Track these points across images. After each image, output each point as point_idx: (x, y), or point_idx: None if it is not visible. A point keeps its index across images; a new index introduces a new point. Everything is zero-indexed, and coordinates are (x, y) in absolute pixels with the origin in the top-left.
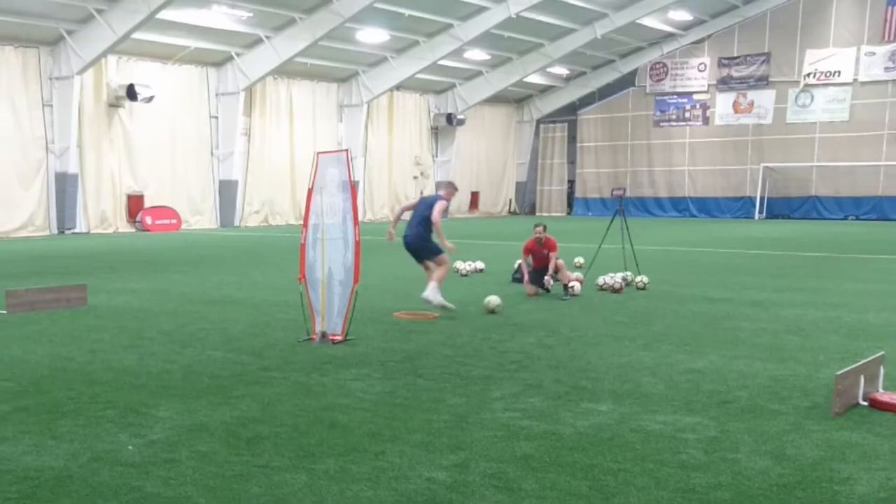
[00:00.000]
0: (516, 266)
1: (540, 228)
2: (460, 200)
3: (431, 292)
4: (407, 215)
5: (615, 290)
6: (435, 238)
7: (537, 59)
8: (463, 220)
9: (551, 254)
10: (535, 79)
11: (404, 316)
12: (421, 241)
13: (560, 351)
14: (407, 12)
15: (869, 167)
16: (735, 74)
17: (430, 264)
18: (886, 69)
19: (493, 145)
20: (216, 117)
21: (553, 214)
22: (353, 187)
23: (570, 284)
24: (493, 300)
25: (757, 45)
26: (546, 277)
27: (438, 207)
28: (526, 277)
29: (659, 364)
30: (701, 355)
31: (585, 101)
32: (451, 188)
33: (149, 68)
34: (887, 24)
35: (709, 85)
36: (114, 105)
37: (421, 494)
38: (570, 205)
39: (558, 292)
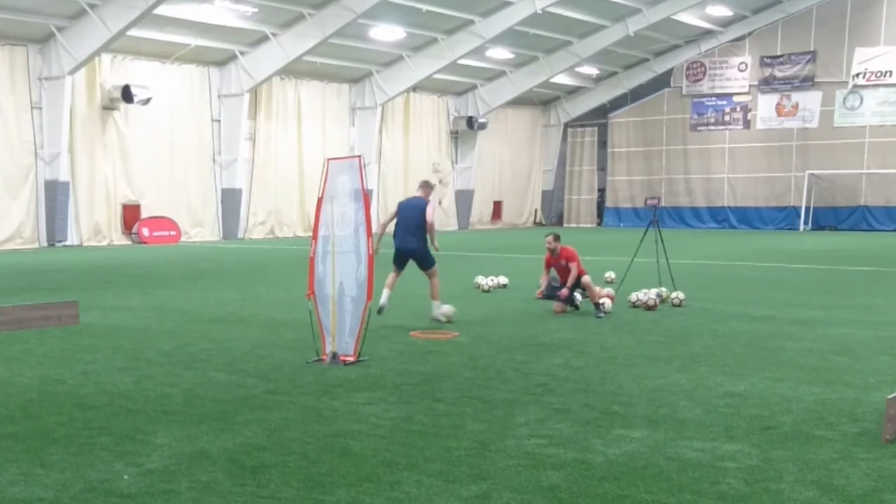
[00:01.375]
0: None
1: (550, 238)
2: (482, 211)
3: (438, 310)
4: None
5: (649, 308)
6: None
7: (565, 58)
8: (485, 231)
9: (571, 264)
10: (563, 79)
11: (421, 335)
12: (419, 249)
13: (589, 373)
14: (424, 7)
15: None
16: (778, 74)
17: (394, 279)
18: None
19: (517, 151)
20: (218, 121)
21: (582, 225)
22: (366, 196)
23: (601, 301)
24: (448, 309)
25: (802, 42)
26: (574, 294)
27: (431, 209)
28: (541, 291)
29: (696, 387)
30: (742, 378)
31: (617, 103)
32: (429, 187)
33: (146, 68)
34: None
35: (750, 86)
36: (108, 107)
37: None
38: (600, 215)
39: (589, 309)
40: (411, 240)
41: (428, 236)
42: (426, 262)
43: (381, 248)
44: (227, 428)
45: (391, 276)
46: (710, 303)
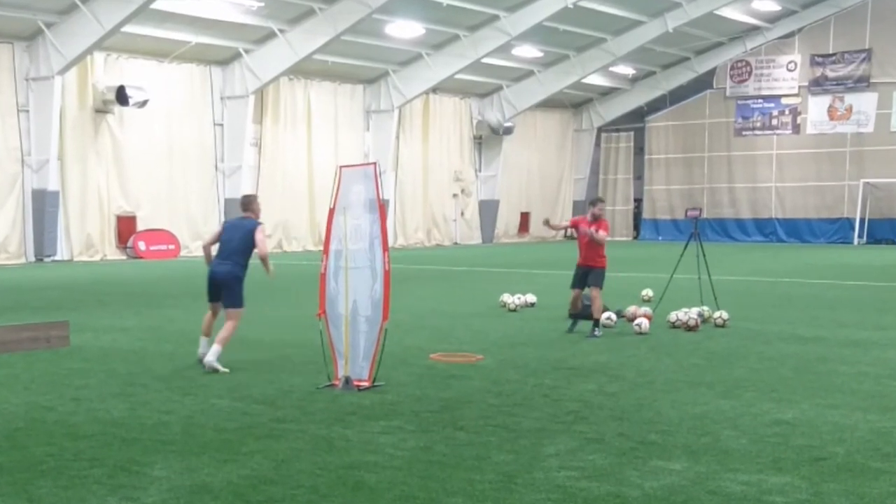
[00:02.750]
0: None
1: (602, 205)
2: (508, 223)
3: (213, 355)
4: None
5: (690, 328)
6: (248, 279)
7: (598, 57)
8: (511, 245)
9: (603, 233)
10: (596, 80)
11: (442, 358)
12: (234, 278)
13: (625, 399)
14: (445, 2)
15: None
16: (830, 75)
17: (211, 321)
18: None
19: (546, 158)
20: (221, 125)
21: (617, 239)
22: (381, 207)
23: (604, 318)
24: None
25: (856, 40)
26: (610, 313)
27: (261, 234)
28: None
29: (741, 414)
30: (790, 404)
31: (655, 105)
32: (253, 202)
33: (142, 67)
34: None
35: (799, 87)
36: (101, 110)
37: None
38: (636, 227)
39: (625, 330)
40: (222, 267)
41: (260, 262)
42: (236, 299)
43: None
44: (231, 459)
45: (207, 318)
46: (756, 323)
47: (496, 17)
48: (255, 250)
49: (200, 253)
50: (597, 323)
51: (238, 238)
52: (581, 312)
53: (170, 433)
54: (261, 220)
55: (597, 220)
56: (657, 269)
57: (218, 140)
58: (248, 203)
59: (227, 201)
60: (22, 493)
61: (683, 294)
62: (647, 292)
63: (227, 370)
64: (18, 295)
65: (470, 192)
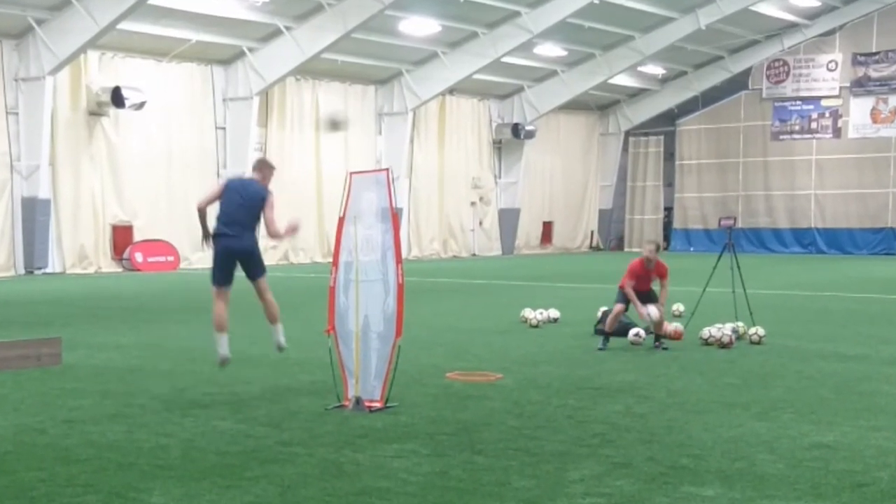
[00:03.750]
0: (600, 314)
1: (652, 247)
2: (529, 233)
3: (282, 336)
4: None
5: (723, 345)
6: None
7: (626, 56)
8: (533, 257)
9: (663, 281)
10: (624, 80)
11: (459, 377)
12: (255, 247)
13: (654, 421)
14: None
15: None
16: (874, 75)
17: (225, 310)
18: None
19: (570, 164)
20: (223, 128)
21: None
22: (395, 216)
23: (632, 335)
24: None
25: None
26: (652, 310)
27: (271, 210)
28: (609, 318)
29: (778, 437)
30: (831, 426)
31: (686, 108)
32: (269, 169)
33: (139, 67)
34: None
35: (841, 88)
36: (95, 113)
37: None
38: (666, 238)
39: (649, 346)
40: (237, 233)
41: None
42: (260, 266)
43: (209, 246)
44: (234, 485)
45: (218, 307)
46: (795, 339)
47: (517, 14)
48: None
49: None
50: (658, 338)
51: (246, 207)
52: (617, 331)
53: (169, 457)
54: (271, 189)
55: (651, 268)
56: (689, 283)
57: (220, 144)
58: (262, 165)
59: None
60: None
61: (717, 309)
62: (678, 307)
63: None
64: (7, 310)
65: (489, 200)
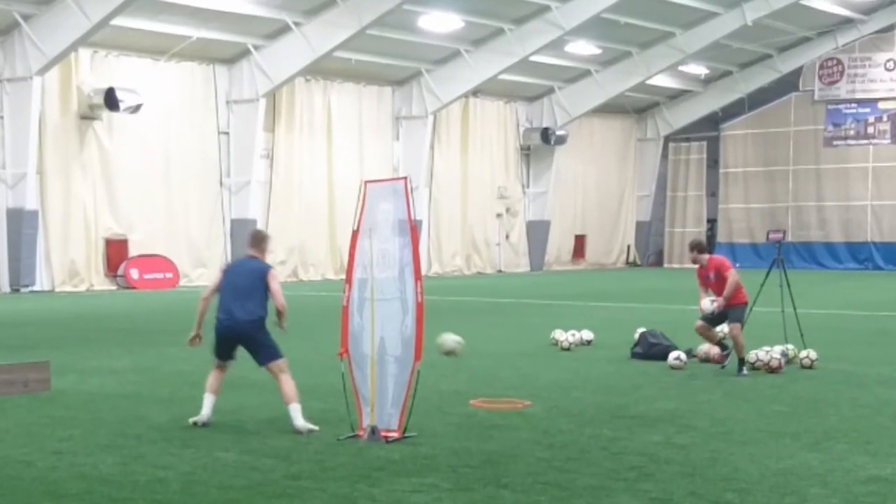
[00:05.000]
0: (637, 336)
1: (692, 254)
2: (560, 248)
3: (298, 415)
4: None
5: (772, 370)
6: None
7: (665, 54)
8: (564, 273)
9: (724, 274)
10: (663, 81)
11: (484, 405)
12: (257, 324)
13: (697, 452)
14: None
15: None
16: None
17: (219, 380)
18: None
19: (605, 172)
20: (227, 133)
21: (687, 266)
22: (413, 229)
23: (672, 359)
24: (450, 340)
25: None
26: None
27: (276, 283)
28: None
29: (832, 470)
30: (889, 458)
31: (731, 111)
32: (264, 242)
33: (135, 66)
34: None
35: None
36: (87, 116)
37: None
38: (709, 253)
39: (697, 371)
40: (237, 313)
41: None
42: (267, 351)
43: (200, 337)
44: None
45: (213, 374)
46: (850, 364)
47: (546, 9)
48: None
49: (202, 282)
50: (742, 362)
51: (249, 283)
52: (656, 354)
53: (167, 492)
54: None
55: (705, 267)
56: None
57: (223, 151)
58: (261, 240)
59: (233, 222)
60: None
61: (764, 330)
62: (722, 328)
63: (317, 428)
64: None
65: (516, 212)
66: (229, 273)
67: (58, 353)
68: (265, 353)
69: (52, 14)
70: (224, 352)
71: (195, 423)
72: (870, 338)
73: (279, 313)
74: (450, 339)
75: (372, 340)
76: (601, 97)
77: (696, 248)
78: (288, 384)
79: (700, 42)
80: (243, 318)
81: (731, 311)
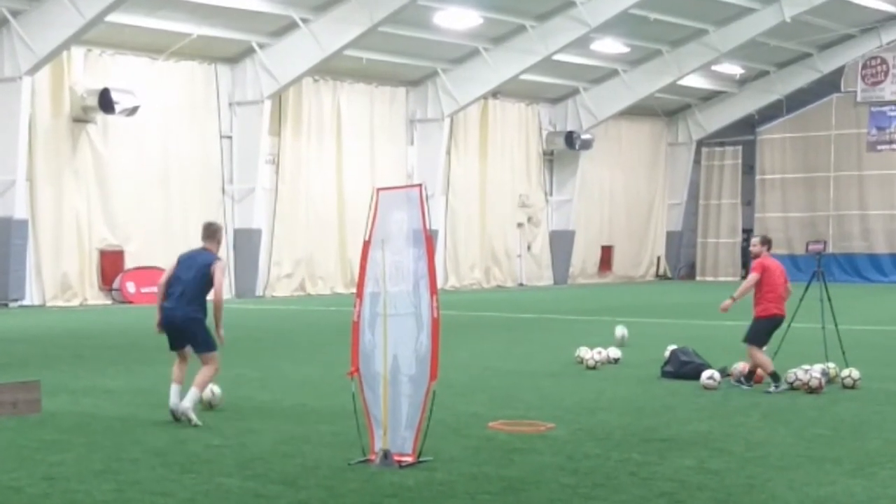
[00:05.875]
0: (667, 354)
1: (756, 241)
2: (585, 260)
3: (190, 400)
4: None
5: (812, 390)
6: (210, 320)
7: (698, 53)
8: (590, 286)
9: (752, 274)
10: (695, 81)
11: (504, 427)
12: (193, 322)
13: (731, 478)
14: None
15: None
16: None
17: (181, 369)
18: None
19: (633, 179)
20: (229, 137)
21: (721, 279)
22: (429, 239)
23: (705, 378)
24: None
25: None
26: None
27: (220, 271)
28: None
29: (876, 497)
30: None
31: (768, 113)
32: (217, 234)
33: (132, 66)
34: None
35: None
36: (80, 119)
37: None
38: (745, 265)
39: (730, 391)
40: (176, 305)
41: (213, 314)
42: (203, 343)
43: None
44: None
45: (176, 364)
46: (895, 383)
47: (571, 4)
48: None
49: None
50: (775, 376)
51: (193, 276)
52: (687, 373)
53: None
54: (220, 255)
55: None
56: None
57: (225, 156)
58: (214, 232)
59: (236, 232)
60: None
61: (804, 347)
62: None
63: (200, 423)
64: None
65: (538, 221)
66: (180, 264)
67: (49, 372)
68: (201, 345)
69: (42, 10)
70: (172, 343)
71: (175, 417)
72: None
73: (216, 311)
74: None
75: (384, 359)
76: (629, 99)
77: (763, 242)
78: (206, 373)
79: (735, 40)
80: (181, 314)
81: (752, 325)
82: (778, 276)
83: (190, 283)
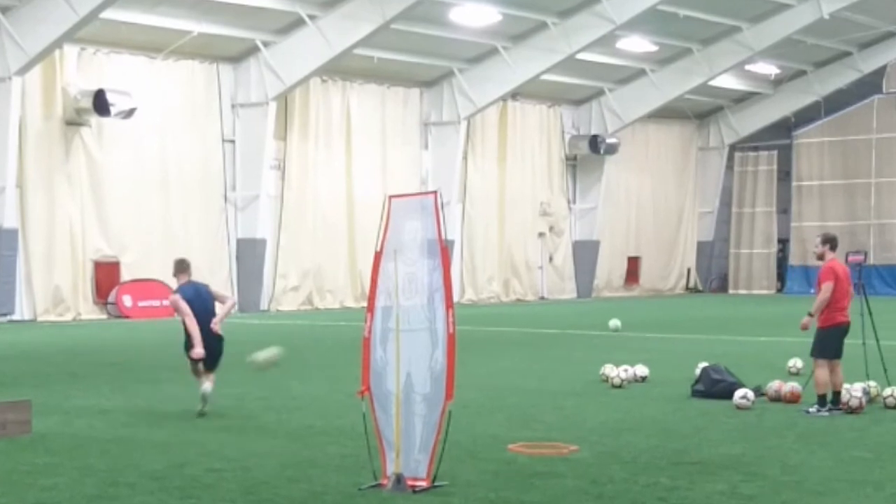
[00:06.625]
0: (698, 372)
1: (818, 240)
2: (611, 271)
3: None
4: None
5: (851, 410)
6: None
7: (731, 52)
8: (615, 300)
9: (824, 284)
10: (728, 82)
11: (524, 450)
12: (221, 345)
13: (766, 503)
14: None
15: None
16: None
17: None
18: None
19: (661, 185)
20: (232, 141)
21: (755, 292)
22: (444, 250)
23: (738, 398)
24: (263, 355)
25: None
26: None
27: (221, 290)
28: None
29: None
30: None
31: (805, 116)
32: (188, 265)
33: (128, 65)
34: None
35: None
36: (74, 122)
37: None
38: (780, 277)
39: (765, 411)
40: (215, 336)
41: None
42: (218, 363)
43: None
44: None
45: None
46: None
47: (596, 0)
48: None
49: None
50: (822, 399)
51: (208, 310)
52: (720, 392)
53: None
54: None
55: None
56: (808, 333)
57: (228, 162)
58: (187, 266)
59: (239, 242)
60: None
61: (843, 364)
62: (795, 363)
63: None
64: None
65: (561, 231)
66: (195, 300)
67: (40, 391)
68: (218, 363)
69: (33, 6)
70: (209, 364)
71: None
72: None
73: (227, 314)
74: (263, 355)
75: (397, 377)
76: (657, 100)
77: (826, 241)
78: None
79: (770, 38)
80: (219, 341)
81: (816, 336)
82: (846, 282)
83: (211, 314)
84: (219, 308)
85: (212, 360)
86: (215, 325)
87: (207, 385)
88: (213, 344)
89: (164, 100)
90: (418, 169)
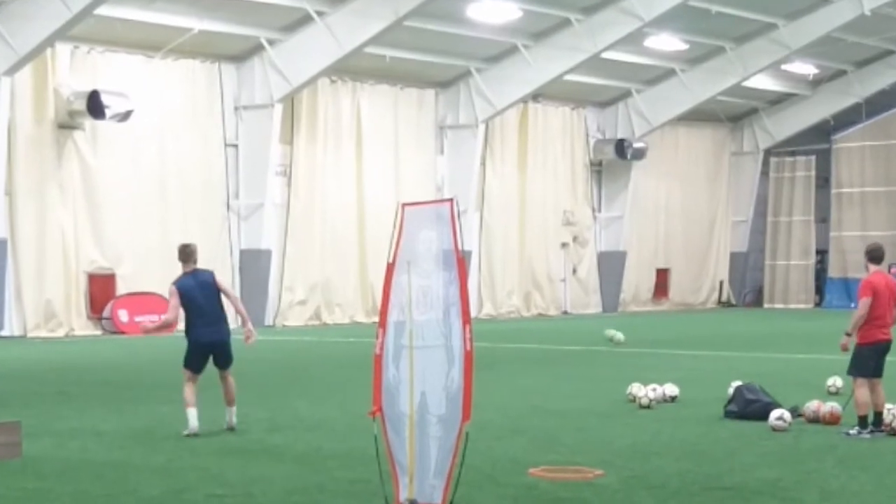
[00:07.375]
0: (731, 391)
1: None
2: (638, 284)
3: (235, 416)
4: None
5: (894, 432)
6: None
7: (766, 51)
8: (643, 314)
9: (861, 299)
10: (763, 82)
11: (546, 474)
12: (230, 339)
13: None
14: None
15: None
16: None
17: (195, 391)
18: None
19: (692, 192)
20: (235, 146)
21: (792, 306)
22: (461, 261)
23: (774, 419)
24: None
25: None
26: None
27: (226, 282)
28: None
29: None
30: None
31: (845, 118)
32: (195, 252)
33: (124, 65)
34: None
35: None
36: (67, 125)
37: None
38: (819, 290)
39: (802, 433)
40: (219, 328)
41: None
42: (231, 358)
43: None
44: None
45: (189, 388)
46: None
47: None
48: (241, 309)
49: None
50: (863, 421)
51: (213, 296)
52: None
53: None
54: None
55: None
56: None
57: (231, 167)
58: (192, 252)
59: (243, 253)
60: None
61: (885, 383)
62: (835, 381)
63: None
64: None
65: (585, 241)
66: (194, 290)
67: (30, 411)
68: (230, 360)
69: (23, 2)
70: (202, 365)
71: (191, 434)
72: None
73: (244, 316)
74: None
75: (410, 397)
76: (688, 102)
77: (866, 252)
78: (234, 385)
79: (808, 36)
80: (227, 336)
81: (853, 354)
82: (887, 298)
83: (215, 305)
84: (227, 304)
85: (222, 351)
86: (250, 338)
87: (194, 423)
88: (222, 334)
89: (162, 102)
90: (433, 175)
